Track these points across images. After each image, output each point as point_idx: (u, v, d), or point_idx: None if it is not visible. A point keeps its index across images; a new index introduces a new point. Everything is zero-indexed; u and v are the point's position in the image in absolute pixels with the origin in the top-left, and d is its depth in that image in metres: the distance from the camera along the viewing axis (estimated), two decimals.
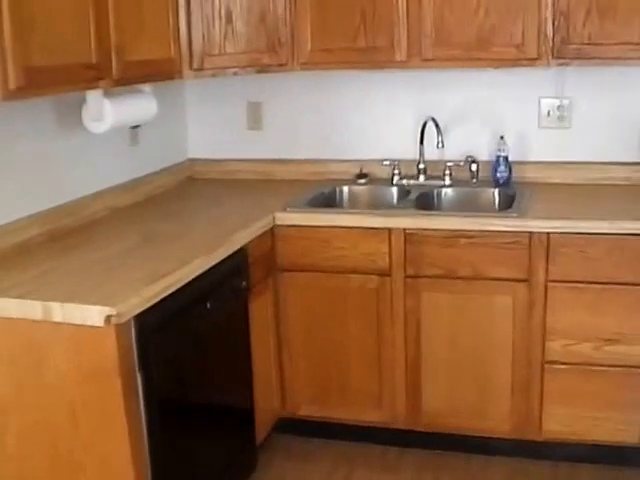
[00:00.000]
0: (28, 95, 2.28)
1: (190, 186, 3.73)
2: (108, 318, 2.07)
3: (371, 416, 3.24)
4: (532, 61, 3.12)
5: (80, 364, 2.16)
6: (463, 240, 2.98)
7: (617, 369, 2.96)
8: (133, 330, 2.18)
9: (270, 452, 3.24)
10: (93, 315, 2.08)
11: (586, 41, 3.04)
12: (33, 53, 2.18)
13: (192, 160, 3.87)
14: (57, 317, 2.12)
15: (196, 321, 2.50)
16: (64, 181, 2.94)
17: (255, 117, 3.80)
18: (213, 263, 2.58)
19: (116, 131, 3.01)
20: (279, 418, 3.33)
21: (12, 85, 2.12)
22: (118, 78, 2.62)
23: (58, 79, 2.33)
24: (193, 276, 2.45)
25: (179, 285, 2.36)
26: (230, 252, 2.72)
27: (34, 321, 2.14)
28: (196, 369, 2.56)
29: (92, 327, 2.09)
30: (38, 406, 2.22)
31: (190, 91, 3.76)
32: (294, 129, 3.76)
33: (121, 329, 2.12)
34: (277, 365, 3.25)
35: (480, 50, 3.14)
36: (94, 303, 2.10)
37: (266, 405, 3.13)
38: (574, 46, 3.06)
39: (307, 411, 3.30)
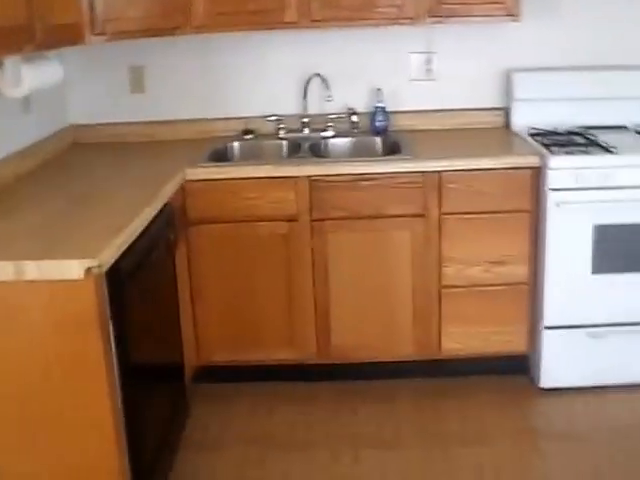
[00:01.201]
0: None
1: (81, 150, 3.75)
2: (89, 270, 2.17)
3: (285, 355, 3.47)
4: (410, 20, 3.44)
5: (56, 318, 2.22)
6: (364, 183, 3.26)
7: (504, 287, 3.38)
8: (105, 281, 2.27)
9: (193, 400, 3.38)
10: (72, 269, 2.16)
11: (457, 1, 3.40)
12: None
13: (76, 126, 3.89)
14: (31, 275, 2.17)
15: (147, 272, 2.63)
16: None
17: (138, 81, 3.87)
18: (154, 214, 2.70)
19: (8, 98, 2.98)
20: (196, 367, 3.48)
21: None
22: (41, 42, 2.63)
23: None
24: (145, 224, 2.57)
25: (135, 235, 2.48)
26: (160, 206, 2.83)
27: (4, 282, 2.18)
28: (148, 319, 2.68)
29: (69, 281, 2.17)
30: (11, 362, 2.26)
31: (73, 57, 3.77)
32: (179, 91, 3.88)
33: (98, 280, 2.21)
34: (191, 315, 3.40)
35: (365, 11, 3.41)
36: (71, 257, 2.18)
37: (186, 355, 3.28)
38: (447, 5, 3.41)
39: (222, 357, 3.48)
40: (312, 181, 3.27)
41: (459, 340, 3.43)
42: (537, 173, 3.25)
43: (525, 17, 3.53)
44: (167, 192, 2.96)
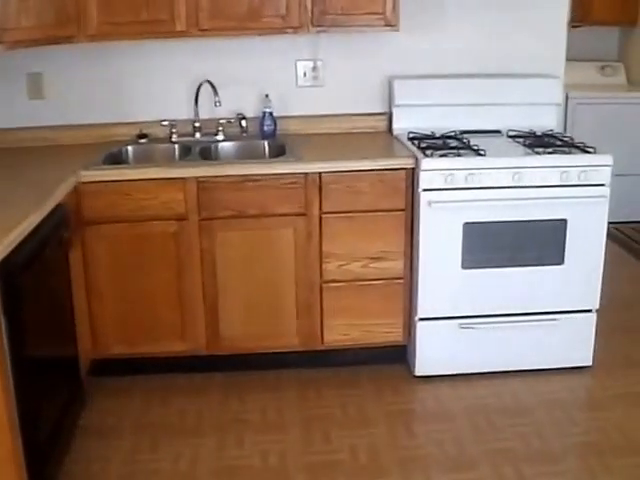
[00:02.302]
0: None
1: None
2: None
3: (177, 347, 3.63)
4: (295, 29, 3.64)
5: None
6: (250, 184, 3.45)
7: (382, 282, 3.61)
8: None
9: (91, 392, 3.52)
10: None
11: (340, 12, 3.62)
12: None
13: None
14: None
15: (40, 269, 2.76)
16: None
17: (36, 87, 3.96)
18: (45, 214, 2.83)
19: None
20: (93, 360, 3.62)
21: None
22: None
23: None
24: (36, 223, 2.69)
25: (25, 234, 2.59)
26: (52, 206, 2.95)
27: None
28: (41, 313, 2.80)
29: None
30: None
31: None
32: (78, 97, 3.98)
33: None
34: (87, 310, 3.53)
35: (251, 21, 3.60)
36: None
37: (82, 349, 3.41)
38: (330, 16, 3.63)
39: (119, 350, 3.61)
40: (200, 182, 3.43)
41: (341, 332, 3.64)
42: (411, 174, 3.49)
43: (407, 26, 3.81)
44: (59, 193, 3.07)
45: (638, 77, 6.33)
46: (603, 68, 6.35)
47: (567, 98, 5.79)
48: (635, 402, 3.54)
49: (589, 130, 5.63)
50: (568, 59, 5.75)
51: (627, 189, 6.00)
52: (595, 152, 3.58)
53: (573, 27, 5.92)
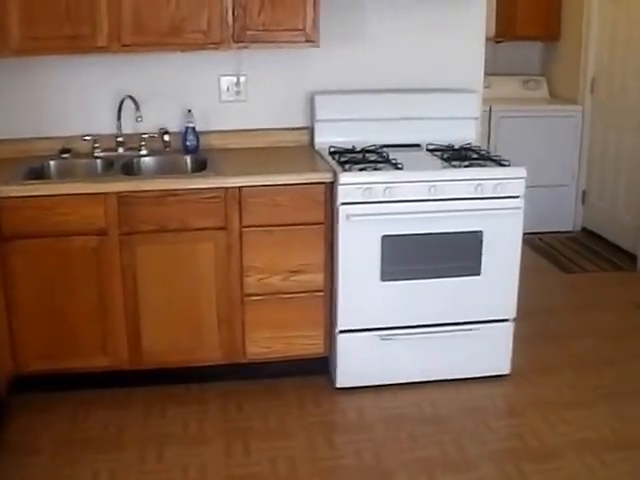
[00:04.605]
0: None
1: None
2: None
3: (99, 362, 3.62)
4: (216, 45, 3.67)
5: None
6: (171, 198, 3.46)
7: (302, 294, 3.65)
8: None
9: (13, 409, 3.49)
10: None
11: (261, 28, 3.67)
12: None
13: None
14: None
15: None
16: None
17: None
18: None
19: None
20: (14, 376, 3.58)
21: None
22: None
23: None
24: None
25: None
26: None
27: None
28: None
29: None
30: None
31: None
32: (1, 111, 3.94)
33: None
34: (7, 326, 3.50)
35: (173, 37, 3.62)
36: None
37: (2, 366, 3.38)
38: (251, 32, 3.67)
39: (40, 366, 3.57)
40: (121, 197, 3.43)
41: (263, 345, 3.67)
42: (330, 188, 3.54)
43: (329, 42, 3.89)
44: None
45: (560, 90, 6.51)
46: (526, 82, 6.51)
47: (491, 111, 5.92)
48: (551, 408, 3.63)
49: (512, 142, 5.81)
50: (493, 73, 5.96)
51: (551, 199, 6.17)
52: (510, 165, 3.66)
53: (497, 42, 6.10)
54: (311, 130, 4.13)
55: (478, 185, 3.55)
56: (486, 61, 4.38)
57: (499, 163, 3.72)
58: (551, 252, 5.82)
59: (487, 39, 4.73)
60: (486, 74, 4.36)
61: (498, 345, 3.80)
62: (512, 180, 3.60)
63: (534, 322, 4.45)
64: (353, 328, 3.63)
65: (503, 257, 3.67)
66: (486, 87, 5.71)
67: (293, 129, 4.15)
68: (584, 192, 6.33)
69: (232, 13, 3.62)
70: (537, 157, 5.97)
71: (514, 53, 6.54)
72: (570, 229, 6.34)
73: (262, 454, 3.24)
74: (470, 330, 3.72)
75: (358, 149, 3.92)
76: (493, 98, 6.02)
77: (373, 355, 3.68)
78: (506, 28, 6.14)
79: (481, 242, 3.63)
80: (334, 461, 3.22)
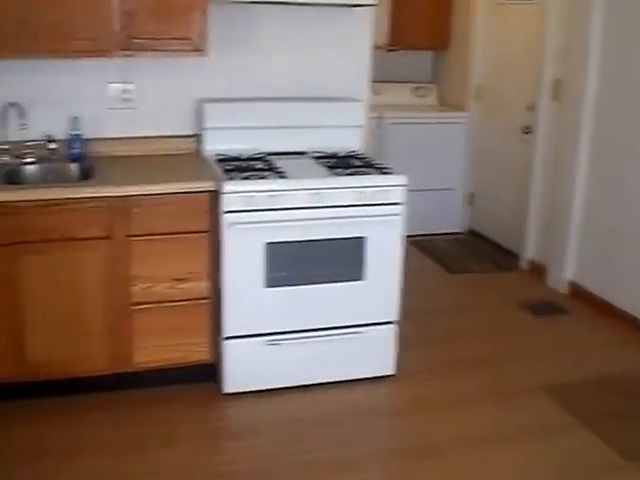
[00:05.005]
0: None
1: None
2: None
3: None
4: (103, 53, 3.67)
5: None
6: (55, 208, 3.42)
7: (189, 302, 3.68)
8: None
9: None
10: None
11: (149, 36, 3.67)
12: None
13: None
14: None
15: None
16: None
17: None
18: None
19: None
20: None
21: None
22: None
23: None
24: None
25: None
26: None
27: None
28: None
29: None
30: None
31: None
32: None
33: None
34: None
35: (61, 43, 3.58)
36: None
37: None
38: (139, 40, 3.66)
39: None
40: (2, 207, 3.39)
41: (150, 353, 3.68)
42: (215, 196, 3.58)
43: (219, 50, 3.95)
44: None
45: (448, 98, 6.72)
46: (416, 89, 6.69)
47: (381, 118, 6.06)
48: (433, 407, 3.77)
49: (402, 148, 5.97)
50: (384, 81, 6.12)
51: (440, 202, 6.37)
52: (391, 172, 3.78)
53: (389, 50, 6.25)
54: (200, 138, 4.15)
55: (360, 192, 3.65)
56: (378, 69, 4.50)
57: (381, 171, 3.83)
58: (438, 253, 6.00)
59: (380, 48, 4.88)
60: (378, 82, 4.49)
61: (383, 347, 3.91)
62: (393, 187, 3.71)
63: (419, 323, 4.59)
64: (239, 334, 3.68)
65: (385, 262, 3.78)
66: (377, 94, 5.90)
67: (182, 137, 4.17)
68: (471, 195, 6.56)
69: (120, 22, 3.61)
70: (427, 162, 6.17)
71: (405, 61, 6.72)
72: (458, 231, 6.56)
73: (151, 463, 3.25)
74: (355, 333, 3.82)
75: (245, 157, 3.96)
76: (384, 105, 6.18)
77: (259, 360, 3.73)
78: (398, 37, 6.32)
79: (364, 248, 3.73)
80: (223, 467, 3.26)
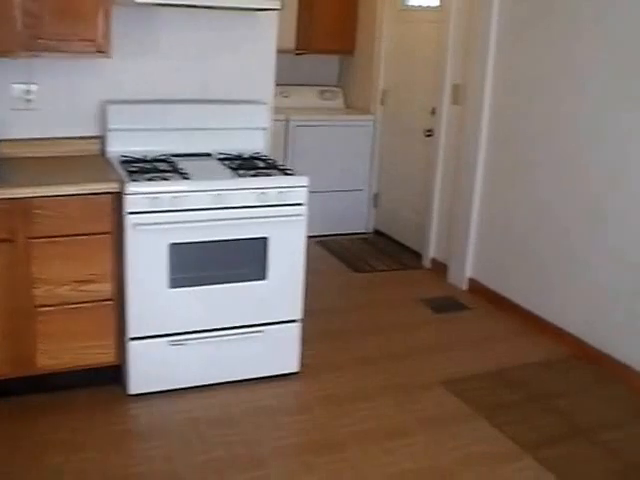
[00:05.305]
0: None
1: None
2: None
3: None
4: (6, 52, 3.64)
5: None
6: None
7: (92, 304, 3.67)
8: None
9: None
10: None
11: (52, 37, 3.65)
12: None
13: None
14: None
15: None
16: None
17: None
18: None
19: None
20: None
21: None
22: None
23: None
24: None
25: None
26: None
27: None
28: None
29: None
30: None
31: None
32: None
33: None
34: None
35: None
36: None
37: None
38: (42, 41, 3.64)
39: None
40: None
41: (53, 356, 3.66)
42: (118, 198, 3.60)
43: (123, 52, 4.00)
44: None
45: (355, 101, 6.87)
46: (323, 92, 6.80)
47: (288, 121, 6.14)
48: (336, 402, 3.86)
49: (309, 150, 6.07)
50: (292, 84, 6.21)
51: (347, 203, 6.49)
52: (294, 174, 3.86)
53: (297, 54, 6.34)
54: (104, 139, 4.16)
55: (262, 193, 3.72)
56: (286, 73, 4.57)
57: (284, 172, 3.90)
58: (344, 253, 6.12)
59: (287, 52, 4.94)
60: (286, 85, 4.55)
61: (287, 345, 4.00)
62: (295, 188, 3.80)
63: (323, 321, 4.69)
64: (143, 335, 3.70)
65: (288, 261, 3.87)
66: (285, 97, 5.99)
67: (86, 138, 4.16)
68: (376, 196, 6.71)
69: (22, 21, 3.59)
70: (333, 164, 6.29)
71: (313, 65, 6.83)
72: (364, 231, 6.70)
73: (55, 468, 3.23)
74: (259, 332, 3.89)
75: (149, 158, 3.99)
76: (291, 108, 6.28)
77: (164, 361, 3.77)
78: (305, 42, 6.43)
79: (267, 248, 3.80)
80: (126, 469, 3.26)
